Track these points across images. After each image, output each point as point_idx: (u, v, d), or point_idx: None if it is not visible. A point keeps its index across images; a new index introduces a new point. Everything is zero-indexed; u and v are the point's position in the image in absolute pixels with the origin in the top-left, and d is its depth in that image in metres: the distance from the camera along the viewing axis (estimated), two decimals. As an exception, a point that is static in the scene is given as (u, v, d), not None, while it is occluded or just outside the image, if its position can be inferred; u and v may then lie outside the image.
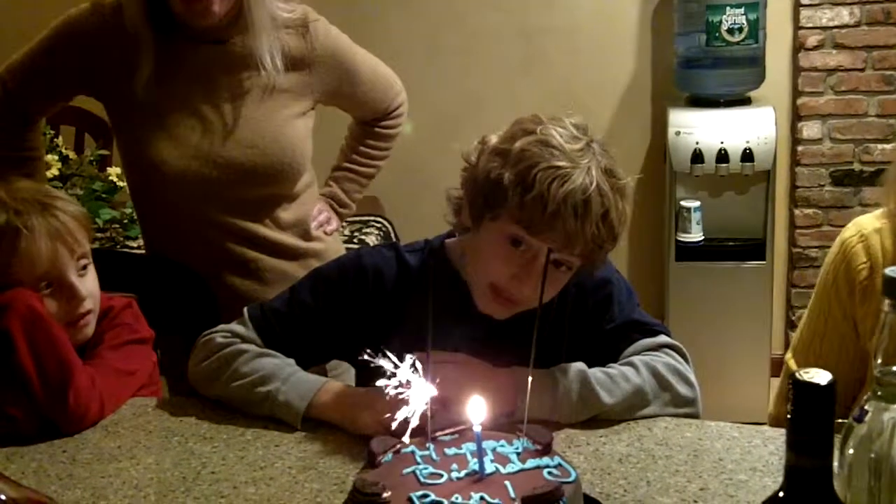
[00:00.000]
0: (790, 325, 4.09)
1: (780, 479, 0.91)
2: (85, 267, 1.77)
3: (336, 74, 2.16)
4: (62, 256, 1.72)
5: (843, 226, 1.75)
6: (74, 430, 1.64)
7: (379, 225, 3.45)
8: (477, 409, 1.24)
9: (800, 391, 0.87)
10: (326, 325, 1.72)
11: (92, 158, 3.50)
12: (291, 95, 2.09)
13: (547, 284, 1.52)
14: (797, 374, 0.87)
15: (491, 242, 1.58)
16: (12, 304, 1.65)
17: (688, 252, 3.71)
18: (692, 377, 1.62)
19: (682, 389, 1.60)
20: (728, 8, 3.53)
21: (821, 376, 0.86)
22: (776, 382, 3.94)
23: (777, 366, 4.01)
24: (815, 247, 3.99)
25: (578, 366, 1.58)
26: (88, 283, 1.77)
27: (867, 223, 1.65)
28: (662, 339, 1.66)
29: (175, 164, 2.01)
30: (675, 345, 1.65)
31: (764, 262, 3.71)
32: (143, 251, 2.37)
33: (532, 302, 1.56)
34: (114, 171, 3.36)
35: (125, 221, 3.22)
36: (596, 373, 1.57)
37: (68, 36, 2.05)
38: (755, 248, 3.72)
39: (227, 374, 1.67)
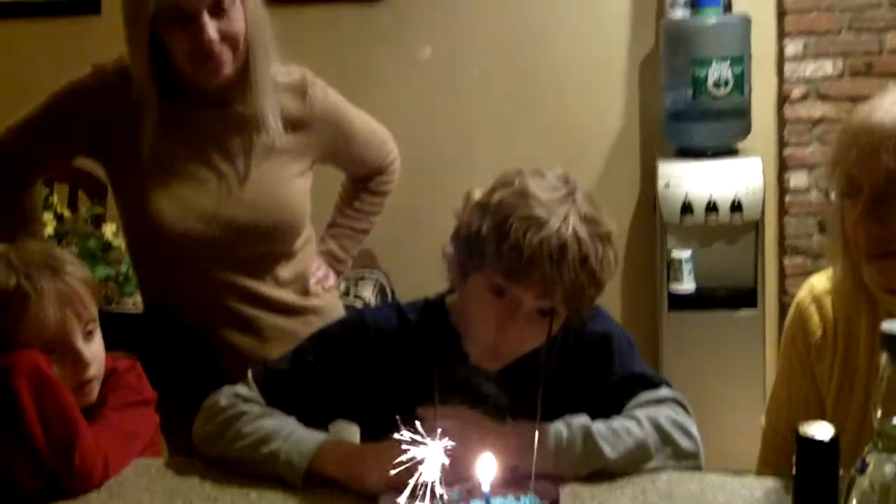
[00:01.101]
0: (783, 372, 4.11)
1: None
2: (91, 331, 1.78)
3: (333, 135, 2.20)
4: (70, 322, 1.73)
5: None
6: (79, 491, 1.64)
7: (375, 279, 3.47)
8: (486, 466, 1.26)
9: (804, 447, 0.89)
10: (330, 385, 1.74)
11: (87, 216, 3.51)
12: (291, 155, 2.13)
13: (531, 334, 1.56)
14: (801, 431, 0.89)
15: (475, 294, 1.62)
16: (19, 364, 1.65)
17: (680, 301, 3.73)
18: (694, 430, 1.64)
19: (685, 443, 1.61)
20: (714, 62, 3.58)
21: (824, 431, 0.89)
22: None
23: (771, 413, 4.03)
24: (806, 295, 4.01)
25: (582, 419, 1.60)
26: (94, 348, 1.77)
27: (819, 285, 1.71)
28: (664, 392, 1.67)
29: (177, 224, 2.03)
30: (677, 398, 1.67)
31: (755, 310, 3.72)
32: (139, 309, 2.38)
33: (519, 352, 1.59)
34: (109, 229, 3.37)
35: (120, 280, 3.23)
36: (599, 426, 1.59)
37: (71, 99, 2.08)
38: (746, 297, 3.74)
39: (229, 436, 1.68)
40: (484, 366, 1.66)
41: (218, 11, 1.94)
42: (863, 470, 1.02)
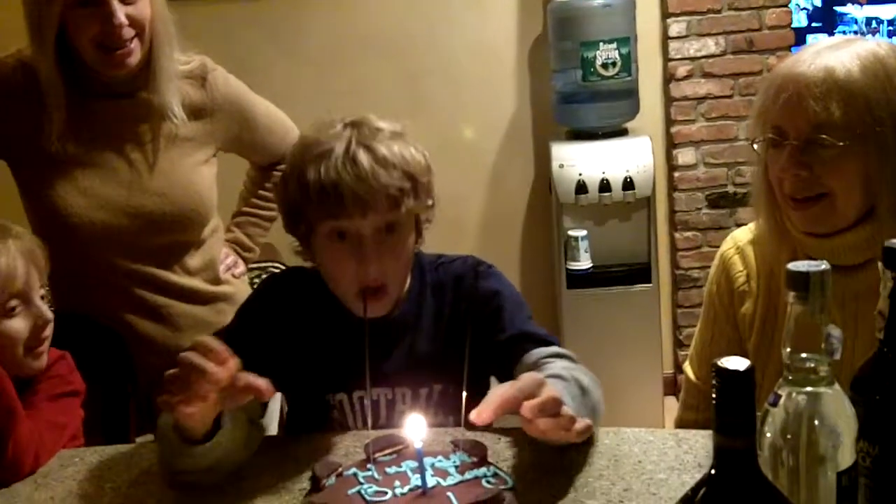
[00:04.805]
0: (678, 344, 4.25)
1: (697, 476, 0.99)
2: (43, 297, 1.81)
3: (236, 122, 2.22)
4: (33, 278, 1.76)
5: (722, 246, 1.89)
6: (9, 481, 1.63)
7: (277, 271, 3.48)
8: (416, 427, 1.30)
9: (723, 378, 0.95)
10: (259, 355, 1.72)
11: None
12: (194, 144, 2.13)
13: (395, 256, 1.63)
14: (719, 363, 0.95)
15: (324, 252, 1.67)
16: None
17: (578, 280, 3.82)
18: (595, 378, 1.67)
19: (597, 393, 1.65)
20: (601, 44, 3.67)
21: (739, 363, 0.95)
22: (669, 401, 4.09)
23: (669, 384, 4.16)
24: (697, 268, 4.15)
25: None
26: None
27: (741, 236, 1.81)
28: (555, 349, 1.70)
29: (84, 216, 2.03)
30: (569, 354, 1.69)
31: (650, 285, 3.84)
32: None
33: (393, 283, 1.66)
34: None
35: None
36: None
37: None
38: (641, 273, 3.85)
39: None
40: (372, 314, 1.67)
41: None
42: (775, 403, 1.09)
